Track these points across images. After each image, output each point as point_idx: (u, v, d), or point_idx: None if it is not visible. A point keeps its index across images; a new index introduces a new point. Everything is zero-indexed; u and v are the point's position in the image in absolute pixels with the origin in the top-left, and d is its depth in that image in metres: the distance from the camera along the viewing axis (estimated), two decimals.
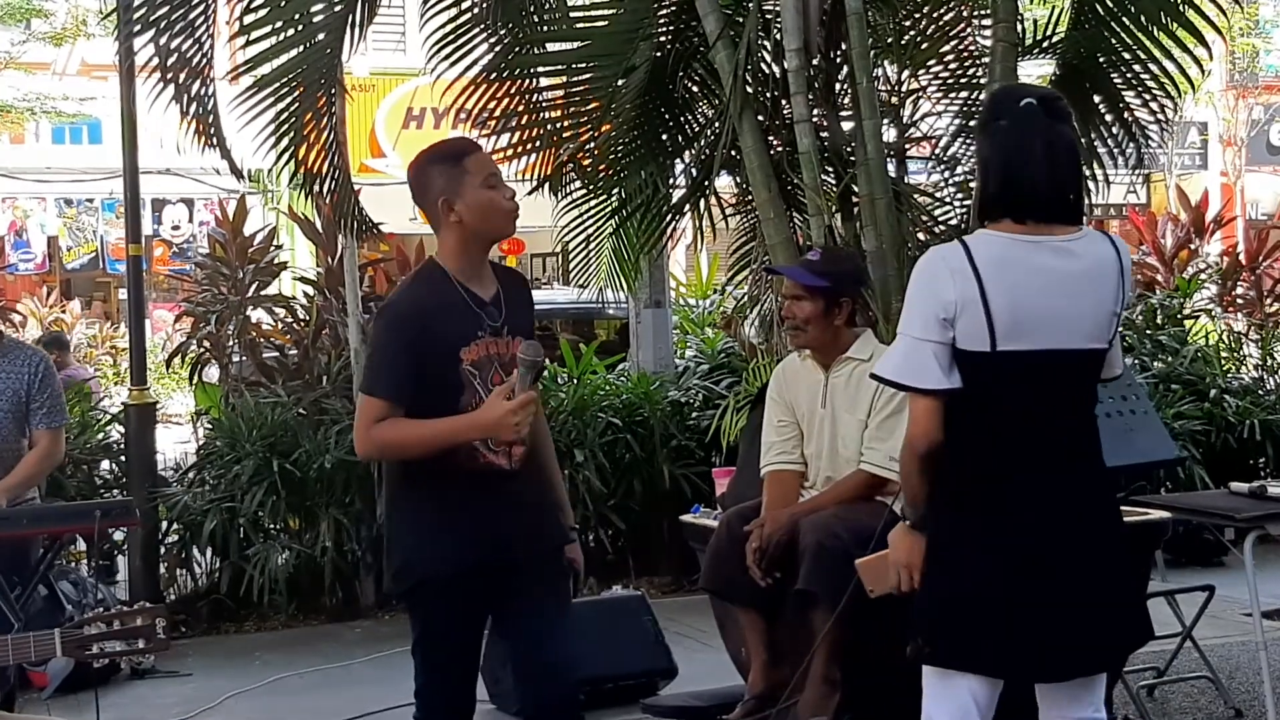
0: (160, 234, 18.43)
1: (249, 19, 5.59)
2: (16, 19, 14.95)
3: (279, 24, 5.66)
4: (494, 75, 5.96)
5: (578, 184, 6.17)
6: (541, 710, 3.49)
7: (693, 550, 5.89)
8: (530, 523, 3.47)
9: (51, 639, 2.93)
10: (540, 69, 6.02)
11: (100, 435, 7.66)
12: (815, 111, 5.25)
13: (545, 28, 6.10)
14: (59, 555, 5.66)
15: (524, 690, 3.54)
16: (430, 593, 3.43)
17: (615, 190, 6.13)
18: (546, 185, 6.07)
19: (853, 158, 5.26)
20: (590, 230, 6.34)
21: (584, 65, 5.86)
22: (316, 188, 6.15)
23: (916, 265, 3.05)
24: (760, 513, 4.33)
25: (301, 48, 5.71)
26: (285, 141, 5.87)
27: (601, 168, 6.00)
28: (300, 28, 5.71)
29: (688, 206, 6.11)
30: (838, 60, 5.45)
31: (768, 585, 4.22)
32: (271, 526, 7.32)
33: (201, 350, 8.72)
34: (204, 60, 5.66)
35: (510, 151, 5.99)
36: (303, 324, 8.57)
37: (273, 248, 9.20)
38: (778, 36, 5.28)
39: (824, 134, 5.41)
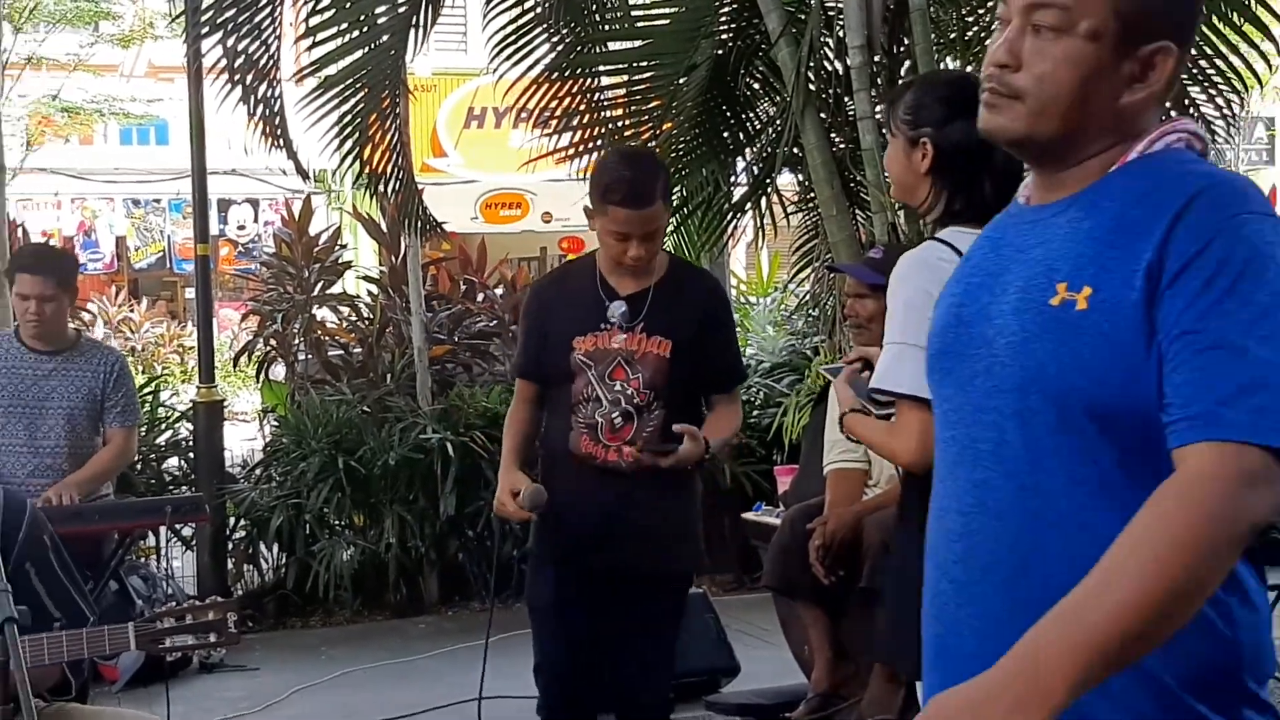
0: (226, 234, 18.63)
1: (314, 21, 5.66)
2: (85, 21, 15.15)
3: (344, 25, 5.73)
4: (555, 74, 5.99)
5: None
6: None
7: (754, 548, 5.90)
8: (639, 535, 3.45)
9: (126, 633, 2.97)
10: (602, 68, 6.05)
11: (169, 432, 7.76)
12: (878, 108, 5.24)
13: (607, 27, 6.13)
14: (130, 550, 5.76)
15: (616, 700, 3.56)
16: (535, 563, 3.59)
17: (676, 188, 6.15)
18: None
19: None
20: None
21: (645, 64, 5.88)
22: (381, 187, 6.22)
23: (912, 266, 2.71)
24: (824, 510, 4.33)
25: (366, 49, 5.78)
26: (350, 142, 5.94)
27: None
28: (365, 29, 5.77)
29: (749, 204, 6.12)
30: (901, 56, 5.43)
31: (831, 583, 4.22)
32: (336, 523, 7.38)
33: (268, 349, 8.81)
34: (270, 62, 5.74)
35: (571, 150, 6.02)
36: (367, 323, 8.64)
37: (337, 247, 9.28)
38: (840, 33, 5.28)
39: (886, 130, 5.39)
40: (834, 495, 4.39)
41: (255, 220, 19.34)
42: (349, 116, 5.87)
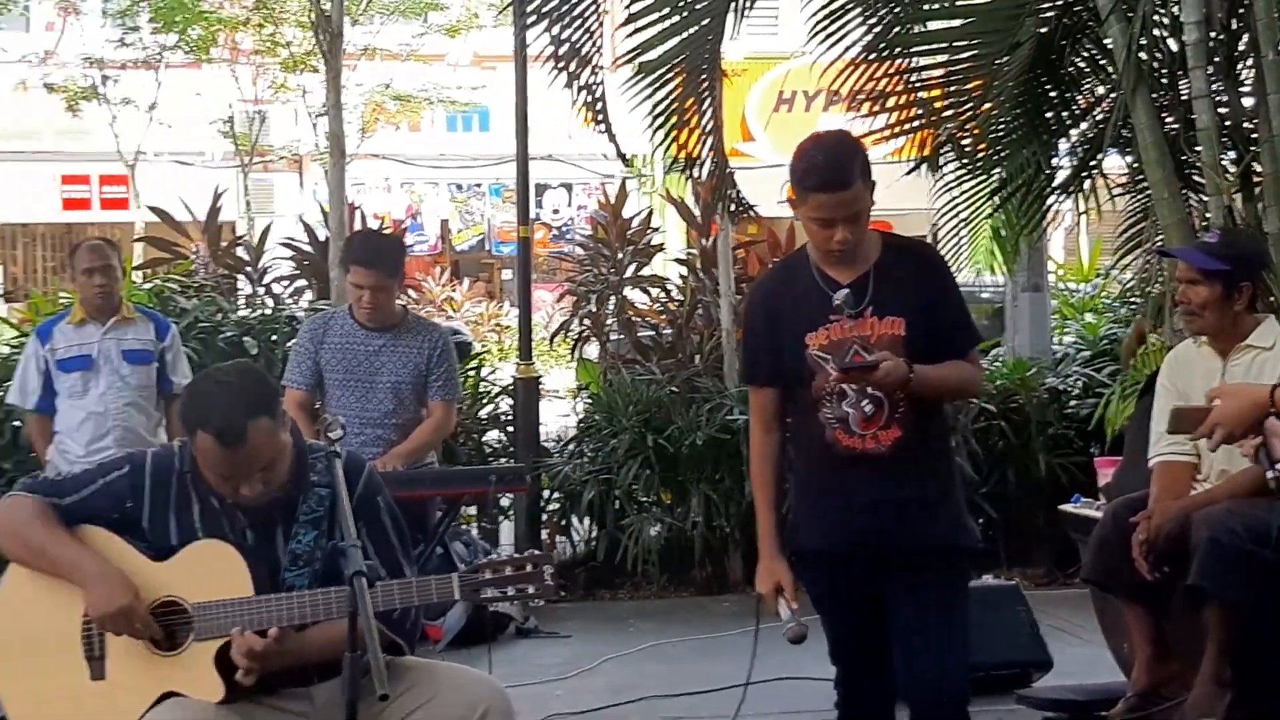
0: (541, 217, 19.22)
1: (636, 7, 5.76)
2: (415, 13, 15.90)
3: (664, 11, 5.81)
4: (872, 56, 5.93)
5: (955, 164, 6.07)
6: (918, 710, 3.50)
7: (1069, 542, 5.73)
8: (901, 516, 3.42)
9: (450, 582, 3.11)
10: (919, 48, 5.95)
11: (490, 407, 8.08)
12: (1215, 86, 5.00)
13: (926, 6, 6.02)
14: (454, 518, 6.03)
15: (905, 689, 3.53)
16: (803, 563, 3.55)
17: (995, 170, 6.00)
18: (922, 166, 6.01)
19: (1255, 135, 4.97)
20: (967, 211, 6.23)
21: (966, 43, 5.75)
22: (695, 171, 6.30)
23: None
24: (1148, 504, 4.17)
25: (685, 34, 5.85)
26: (666, 126, 6.03)
27: (981, 147, 5.88)
28: (685, 14, 5.84)
29: (1072, 187, 5.93)
30: (1239, 31, 5.17)
31: (1154, 579, 4.06)
32: (645, 499, 7.54)
33: (582, 328, 9.08)
34: (593, 49, 5.87)
35: (886, 133, 5.95)
36: (677, 304, 8.80)
37: (649, 230, 9.47)
38: (1175, 10, 5.06)
39: (1223, 110, 5.14)
40: (1159, 488, 4.21)
41: (569, 204, 19.92)
42: (666, 101, 5.96)
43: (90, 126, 16.47)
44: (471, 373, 8.15)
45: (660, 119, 5.99)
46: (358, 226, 9.32)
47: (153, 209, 10.44)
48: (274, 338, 7.72)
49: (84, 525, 3.15)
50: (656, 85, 5.92)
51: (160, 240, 9.95)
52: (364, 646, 2.76)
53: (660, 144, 6.12)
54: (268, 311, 8.23)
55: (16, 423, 6.81)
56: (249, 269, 9.07)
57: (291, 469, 3.16)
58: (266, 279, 9.06)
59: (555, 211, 19.88)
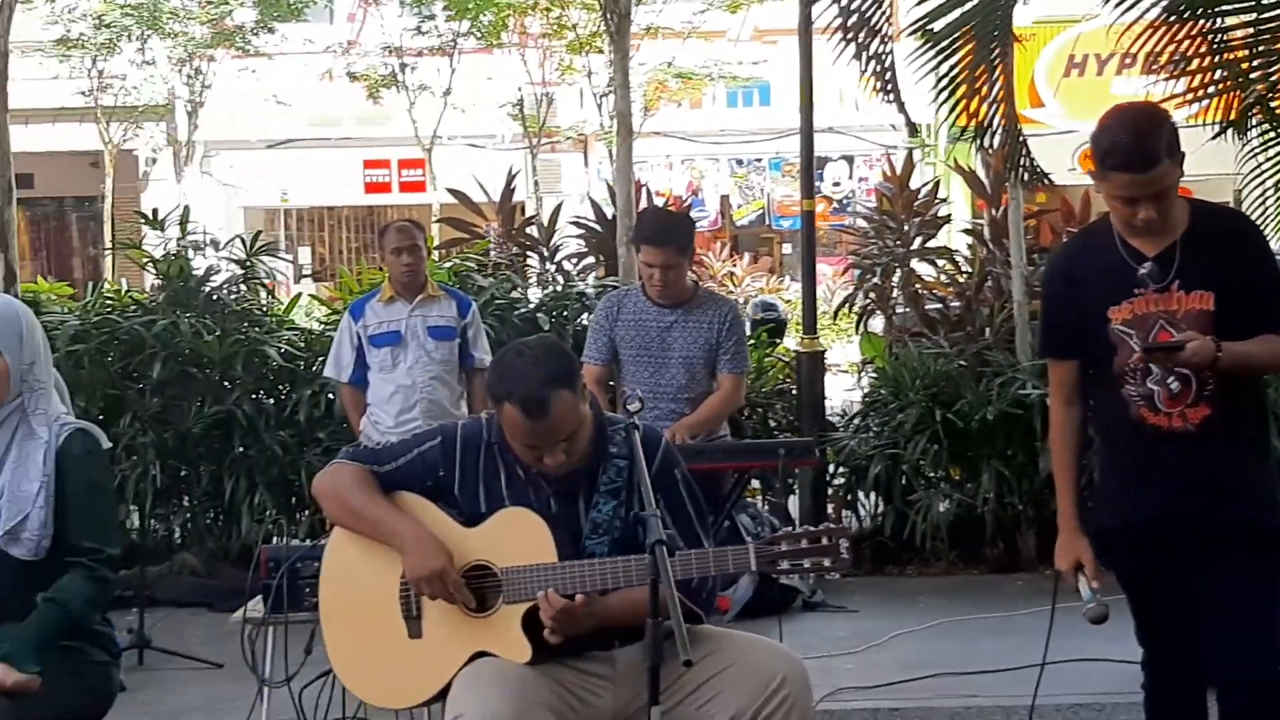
0: (821, 190, 19.15)
1: None
2: None
3: None
4: (1171, 17, 5.70)
5: (1263, 127, 5.79)
6: (1228, 692, 3.39)
7: None
8: (1211, 496, 3.33)
9: (746, 553, 3.17)
10: (1224, 8, 5.69)
11: (775, 381, 8.12)
12: None
13: None
14: (742, 491, 6.11)
15: (1214, 671, 3.43)
16: (1108, 542, 3.48)
17: None
18: (1228, 130, 5.75)
19: None
20: (1277, 177, 5.94)
21: (1274, 1, 5.47)
22: (985, 140, 6.18)
23: None
24: None
25: (974, 1, 5.74)
26: (955, 95, 5.93)
27: None
28: None
29: None
30: None
31: None
32: (933, 475, 7.45)
33: (867, 302, 9.02)
34: (882, 18, 5.82)
35: (1188, 96, 5.72)
36: (965, 276, 8.65)
37: (936, 201, 9.33)
38: None
39: None
40: None
41: (850, 177, 19.77)
42: (954, 69, 5.86)
43: (390, 112, 17.24)
44: (756, 346, 8.21)
45: (948, 87, 5.90)
46: (643, 204, 9.50)
47: (450, 191, 10.86)
48: (565, 314, 7.95)
49: (400, 492, 3.33)
50: (945, 54, 5.82)
51: (457, 221, 10.35)
52: (665, 613, 2.85)
53: (948, 114, 6.02)
54: (559, 288, 8.48)
55: (331, 395, 7.22)
56: (540, 247, 9.34)
57: (592, 440, 3.27)
58: (557, 257, 9.33)
59: (836, 184, 19.77)
